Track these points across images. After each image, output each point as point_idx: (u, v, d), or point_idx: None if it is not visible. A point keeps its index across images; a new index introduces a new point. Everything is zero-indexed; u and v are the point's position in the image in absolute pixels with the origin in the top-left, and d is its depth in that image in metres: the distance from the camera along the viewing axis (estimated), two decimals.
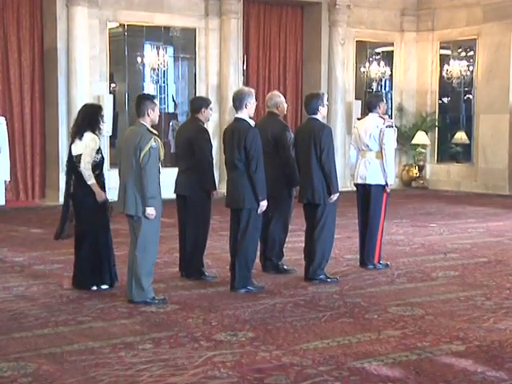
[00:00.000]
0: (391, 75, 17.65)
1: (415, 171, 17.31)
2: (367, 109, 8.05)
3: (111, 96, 14.20)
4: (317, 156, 7.01)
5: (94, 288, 6.70)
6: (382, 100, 8.03)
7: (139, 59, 14.95)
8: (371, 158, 7.76)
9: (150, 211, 6.10)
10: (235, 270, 6.70)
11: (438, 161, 17.48)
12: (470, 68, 16.72)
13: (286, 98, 18.08)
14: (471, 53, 16.86)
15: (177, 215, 7.37)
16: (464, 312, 5.99)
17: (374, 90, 17.45)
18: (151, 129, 6.23)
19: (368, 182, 7.76)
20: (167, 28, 15.12)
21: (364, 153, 7.83)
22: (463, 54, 17.15)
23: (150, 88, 15.44)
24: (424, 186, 17.20)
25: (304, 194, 7.19)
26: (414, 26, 17.55)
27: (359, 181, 7.85)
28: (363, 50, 17.41)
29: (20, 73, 13.70)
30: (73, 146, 6.71)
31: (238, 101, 6.64)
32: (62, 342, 5.13)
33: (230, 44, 15.23)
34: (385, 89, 17.87)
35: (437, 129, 17.38)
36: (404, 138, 17.07)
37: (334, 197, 7.07)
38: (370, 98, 8.30)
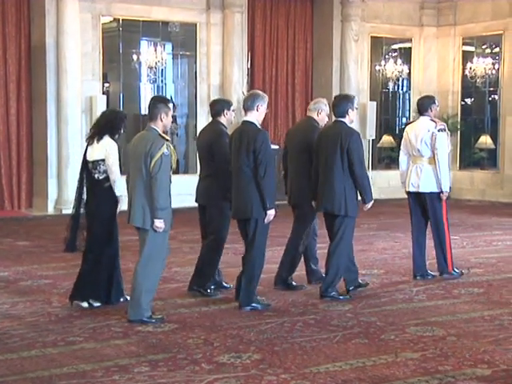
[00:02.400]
0: (409, 74, 17.68)
1: None
2: (418, 111, 8.17)
3: (104, 97, 14.24)
4: (342, 163, 7.02)
5: (85, 305, 6.71)
6: (434, 102, 8.13)
7: (135, 57, 15.00)
8: (423, 164, 7.96)
9: (159, 224, 6.10)
10: (241, 286, 6.72)
11: (460, 167, 17.46)
12: (496, 66, 16.73)
13: (294, 99, 18.07)
14: (497, 49, 16.89)
15: (199, 226, 7.45)
16: (489, 333, 5.98)
17: (391, 90, 17.52)
18: (163, 134, 6.27)
19: (421, 190, 7.97)
20: (165, 23, 15.17)
21: (415, 159, 8.02)
22: (488, 50, 17.18)
23: (146, 88, 15.51)
24: None
25: (323, 202, 7.17)
26: (434, 21, 17.57)
27: (412, 189, 8.05)
28: (379, 47, 17.45)
29: (5, 71, 13.77)
30: (89, 148, 6.78)
31: (251, 101, 6.72)
32: (50, 365, 5.13)
33: (233, 40, 15.28)
34: (402, 89, 17.92)
35: (459, 132, 17.37)
36: None
37: (369, 205, 7.14)
38: (421, 100, 8.30)
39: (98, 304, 6.74)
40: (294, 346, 5.57)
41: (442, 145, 7.85)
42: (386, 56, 17.54)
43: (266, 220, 6.62)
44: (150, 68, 15.10)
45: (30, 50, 14.00)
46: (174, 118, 16.74)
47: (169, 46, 15.67)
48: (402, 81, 17.77)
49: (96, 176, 6.71)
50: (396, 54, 17.69)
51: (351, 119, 7.24)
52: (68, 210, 13.36)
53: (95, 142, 6.72)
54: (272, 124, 16.23)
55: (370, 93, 17.15)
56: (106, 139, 6.69)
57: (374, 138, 16.79)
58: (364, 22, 16.72)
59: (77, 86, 13.69)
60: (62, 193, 13.67)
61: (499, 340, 5.77)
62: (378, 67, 17.42)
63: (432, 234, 8.08)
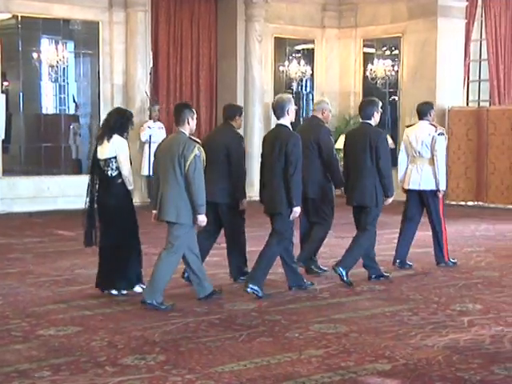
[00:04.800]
0: (312, 75, 17.89)
1: None
2: (418, 116, 8.90)
3: (3, 96, 13.90)
4: (372, 160, 7.80)
5: (115, 292, 7.11)
6: (432, 108, 8.97)
7: (35, 55, 14.65)
8: (423, 164, 8.79)
9: (202, 218, 6.71)
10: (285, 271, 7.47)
11: None
12: (395, 68, 17.14)
13: (199, 99, 17.98)
14: (396, 51, 17.30)
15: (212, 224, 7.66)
16: (390, 328, 6.12)
17: (294, 90, 17.67)
18: (192, 137, 6.71)
19: (423, 188, 8.81)
20: (67, 21, 14.92)
21: (415, 159, 8.87)
22: (388, 52, 17.58)
23: (47, 87, 15.20)
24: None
25: (355, 196, 7.94)
26: (335, 22, 17.87)
27: (411, 186, 8.91)
28: (282, 48, 17.62)
29: None
30: (99, 147, 7.14)
31: (280, 109, 7.23)
32: None
33: (136, 39, 15.15)
34: (305, 89, 18.11)
35: None
36: None
37: (390, 200, 8.05)
38: (421, 106, 8.96)
39: (115, 292, 7.08)
40: (199, 346, 5.57)
41: (440, 147, 8.66)
42: (290, 57, 17.71)
43: (291, 217, 7.13)
44: (51, 67, 14.79)
45: None
46: (77, 118, 16.50)
47: (70, 45, 15.41)
48: (306, 81, 17.96)
49: (109, 173, 7.09)
50: (299, 54, 17.87)
51: (376, 121, 7.97)
52: None
53: (105, 140, 7.07)
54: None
55: (274, 93, 17.20)
56: (116, 137, 7.06)
57: None
58: (267, 23, 16.84)
59: None
60: None
61: (399, 335, 5.91)
62: (281, 68, 17.57)
63: (430, 227, 8.90)
